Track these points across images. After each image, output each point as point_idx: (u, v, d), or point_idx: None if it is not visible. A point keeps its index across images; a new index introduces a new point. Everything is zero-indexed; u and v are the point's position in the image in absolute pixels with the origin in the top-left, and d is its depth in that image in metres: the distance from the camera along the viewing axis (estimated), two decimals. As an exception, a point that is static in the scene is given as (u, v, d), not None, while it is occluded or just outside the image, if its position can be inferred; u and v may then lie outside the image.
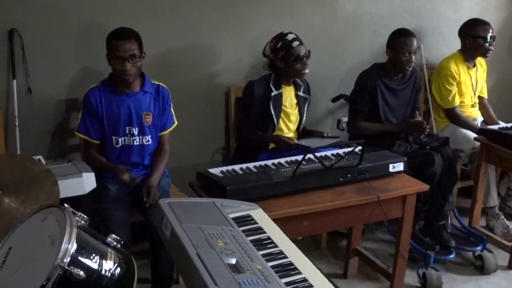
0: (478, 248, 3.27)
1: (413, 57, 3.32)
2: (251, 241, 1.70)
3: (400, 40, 3.32)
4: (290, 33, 3.07)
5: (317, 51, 3.45)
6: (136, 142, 2.76)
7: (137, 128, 2.74)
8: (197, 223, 1.72)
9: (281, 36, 3.06)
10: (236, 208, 1.96)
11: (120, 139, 2.74)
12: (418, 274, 3.04)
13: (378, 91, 3.35)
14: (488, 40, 3.69)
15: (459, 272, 3.24)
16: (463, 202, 3.87)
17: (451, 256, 3.23)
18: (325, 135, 3.06)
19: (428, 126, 3.32)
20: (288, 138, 2.99)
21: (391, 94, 3.42)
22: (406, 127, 3.35)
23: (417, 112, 3.52)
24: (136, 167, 2.80)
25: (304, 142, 2.86)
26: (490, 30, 3.70)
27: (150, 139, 2.79)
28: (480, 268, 3.23)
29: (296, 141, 2.93)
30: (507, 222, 3.61)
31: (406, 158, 2.75)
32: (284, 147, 2.94)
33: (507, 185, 3.96)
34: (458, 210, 3.61)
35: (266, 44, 3.11)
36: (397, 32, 3.38)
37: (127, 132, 2.74)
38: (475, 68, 3.86)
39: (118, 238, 1.80)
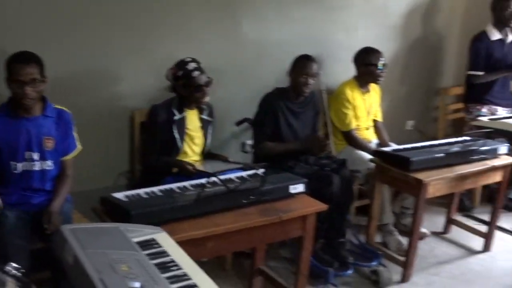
0: (374, 263, 3.46)
1: (311, 80, 3.50)
2: (155, 264, 1.73)
3: (300, 63, 3.53)
4: (192, 61, 3.15)
5: (221, 76, 3.55)
6: (37, 167, 2.70)
7: (37, 153, 2.69)
8: (101, 248, 1.73)
9: (182, 64, 3.14)
10: (140, 232, 1.98)
11: (19, 165, 2.66)
12: (319, 290, 3.18)
13: (280, 113, 3.50)
14: (380, 67, 3.94)
15: (356, 287, 3.40)
16: (360, 220, 4.06)
17: (349, 271, 3.39)
18: (229, 160, 3.16)
19: (329, 142, 3.50)
20: (190, 164, 3.06)
21: (293, 117, 3.58)
22: (308, 142, 3.51)
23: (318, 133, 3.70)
24: (37, 193, 2.74)
25: (207, 167, 2.94)
26: (381, 58, 3.96)
27: (51, 164, 2.74)
28: (375, 282, 3.42)
29: (198, 168, 3.01)
30: (400, 238, 3.84)
31: (306, 180, 2.87)
32: (186, 174, 2.99)
33: (400, 204, 4.22)
34: (355, 228, 3.81)
35: (168, 69, 3.16)
36: (300, 56, 3.58)
37: (26, 157, 2.67)
38: (369, 93, 4.11)
39: (18, 266, 1.77)
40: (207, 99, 3.16)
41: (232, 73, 3.83)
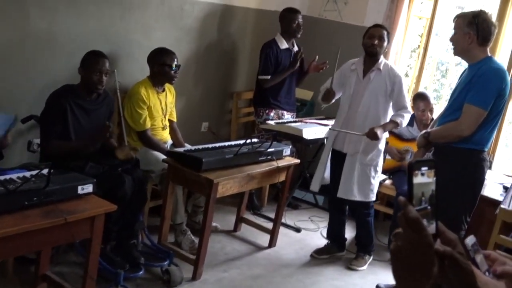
0: (165, 263, 3.48)
1: (104, 77, 3.42)
2: None
3: (92, 59, 3.42)
4: None
5: (4, 69, 3.28)
6: None
7: None
8: None
9: None
10: None
11: None
12: (108, 293, 3.10)
13: (69, 111, 3.35)
14: (173, 68, 3.99)
15: (148, 287, 3.39)
16: (154, 220, 4.06)
17: (140, 273, 3.38)
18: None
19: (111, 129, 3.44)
20: None
21: (84, 114, 3.45)
22: (97, 134, 3.41)
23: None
24: None
25: None
26: (175, 59, 4.00)
27: None
28: (167, 281, 3.44)
29: None
30: (192, 237, 3.92)
31: (95, 180, 2.79)
32: None
33: (193, 203, 4.31)
34: (149, 229, 3.80)
35: None
36: (90, 52, 3.48)
37: None
38: (164, 93, 4.12)
39: None
40: None
41: (17, 66, 3.55)
